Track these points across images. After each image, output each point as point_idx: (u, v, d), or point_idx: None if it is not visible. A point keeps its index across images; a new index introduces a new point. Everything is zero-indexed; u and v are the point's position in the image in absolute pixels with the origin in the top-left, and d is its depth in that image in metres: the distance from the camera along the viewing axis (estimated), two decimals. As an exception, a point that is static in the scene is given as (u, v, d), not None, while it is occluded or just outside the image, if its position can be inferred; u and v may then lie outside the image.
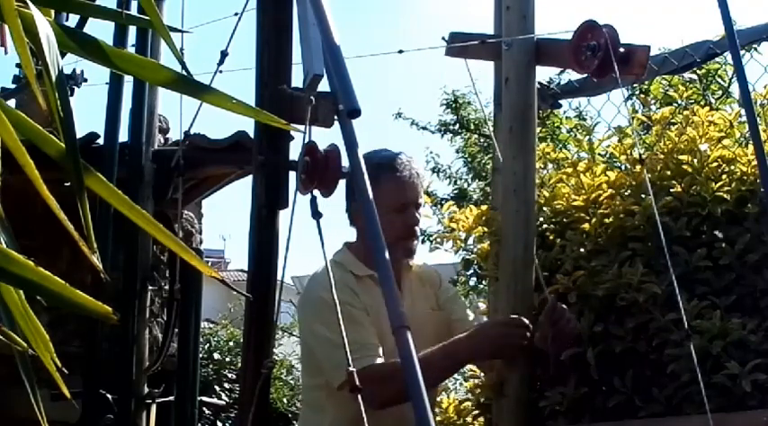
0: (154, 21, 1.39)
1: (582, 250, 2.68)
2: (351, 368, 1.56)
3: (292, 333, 12.23)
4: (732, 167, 2.60)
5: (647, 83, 4.52)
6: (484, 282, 3.48)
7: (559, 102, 3.67)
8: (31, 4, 1.16)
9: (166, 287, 4.98)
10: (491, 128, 3.14)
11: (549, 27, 2.78)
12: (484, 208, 3.00)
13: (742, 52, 3.34)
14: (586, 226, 2.72)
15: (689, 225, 2.54)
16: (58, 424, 2.47)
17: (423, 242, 10.61)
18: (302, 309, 2.86)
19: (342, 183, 2.20)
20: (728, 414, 2.25)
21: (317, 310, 2.69)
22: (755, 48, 3.73)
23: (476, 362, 2.87)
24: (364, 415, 1.46)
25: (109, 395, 4.24)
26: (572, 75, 3.79)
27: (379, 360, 2.60)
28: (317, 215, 1.85)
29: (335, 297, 1.79)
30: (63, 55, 1.22)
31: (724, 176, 2.59)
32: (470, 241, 3.02)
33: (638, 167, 2.68)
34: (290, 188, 2.36)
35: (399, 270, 2.82)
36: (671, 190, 2.59)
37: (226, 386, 9.57)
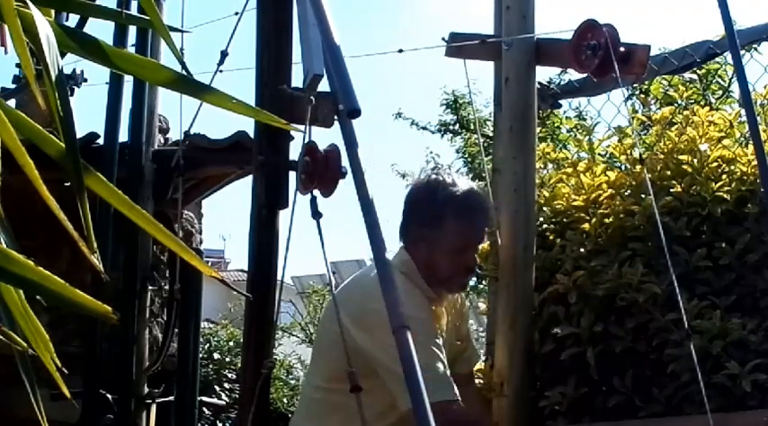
0: (154, 21, 1.39)
1: (582, 250, 2.68)
2: (351, 369, 1.56)
3: (292, 333, 12.24)
4: (732, 167, 2.60)
5: (647, 83, 4.51)
6: (484, 282, 3.48)
7: (559, 102, 3.66)
8: (30, 3, 1.16)
9: (166, 287, 4.98)
10: (479, 133, 3.14)
11: (549, 27, 2.78)
12: (484, 208, 2.99)
13: (742, 52, 3.34)
14: (586, 226, 2.72)
15: (689, 225, 2.54)
16: (57, 424, 2.46)
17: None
18: (370, 316, 2.44)
19: (341, 183, 2.19)
20: (728, 414, 2.25)
21: (414, 303, 2.52)
22: (755, 48, 3.73)
23: None
24: (364, 416, 1.46)
25: (109, 395, 4.24)
26: (572, 75, 3.79)
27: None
28: (316, 215, 1.85)
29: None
30: (63, 55, 1.22)
31: (724, 176, 2.59)
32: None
33: (638, 167, 2.68)
34: (290, 188, 2.36)
35: (447, 299, 2.75)
36: (671, 190, 2.59)
37: (226, 386, 9.57)
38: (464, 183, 2.69)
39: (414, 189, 2.72)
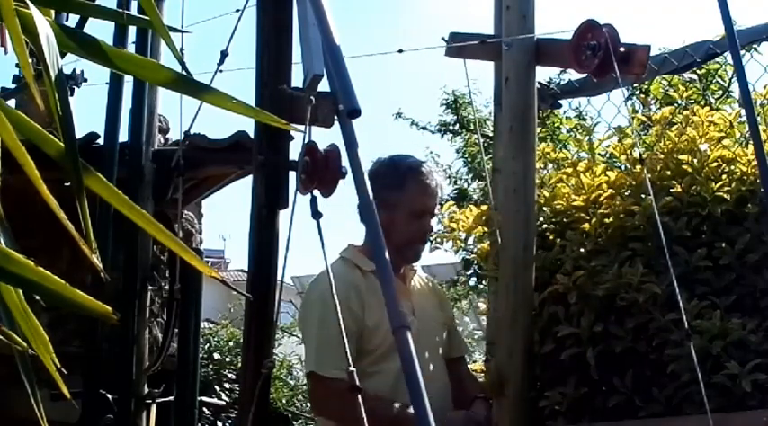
0: (153, 21, 1.39)
1: (582, 250, 2.67)
2: (351, 368, 1.56)
3: (292, 333, 12.23)
4: (732, 167, 2.60)
5: (647, 83, 4.51)
6: (484, 282, 3.48)
7: (559, 102, 3.66)
8: (30, 3, 1.16)
9: (166, 287, 4.98)
10: (479, 133, 3.19)
11: (549, 27, 2.78)
12: (484, 208, 3.00)
13: (742, 52, 3.34)
14: (586, 226, 2.72)
15: (689, 225, 2.54)
16: (57, 424, 2.46)
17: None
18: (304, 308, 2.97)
19: (341, 183, 2.20)
20: (728, 414, 2.25)
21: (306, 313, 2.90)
22: (755, 48, 3.73)
23: None
24: (364, 415, 1.46)
25: (109, 395, 4.23)
26: (572, 75, 3.79)
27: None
28: (316, 215, 1.86)
29: (335, 296, 1.81)
30: (63, 55, 1.22)
31: (724, 176, 2.59)
32: (470, 241, 3.02)
33: (638, 167, 2.68)
34: (290, 188, 2.36)
35: (407, 271, 2.96)
36: (671, 190, 2.59)
37: (226, 386, 9.56)
38: (419, 160, 3.05)
39: (375, 164, 3.01)
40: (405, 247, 2.88)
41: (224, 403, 9.22)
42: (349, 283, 2.77)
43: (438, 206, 3.01)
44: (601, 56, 2.55)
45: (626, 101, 3.18)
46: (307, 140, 2.03)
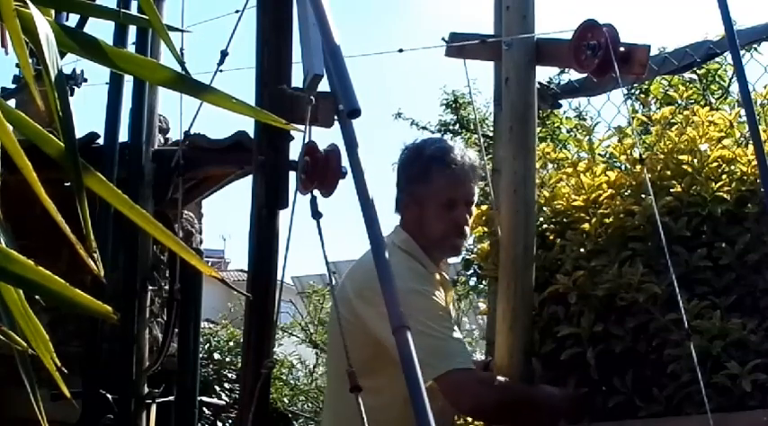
0: (153, 20, 1.39)
1: (582, 250, 2.67)
2: (350, 370, 1.56)
3: (292, 333, 12.23)
4: (732, 167, 2.60)
5: (647, 83, 4.51)
6: (484, 282, 3.48)
7: (559, 102, 3.67)
8: (30, 3, 1.16)
9: (166, 287, 4.98)
10: (479, 133, 3.15)
11: (549, 27, 2.78)
12: (484, 208, 3.00)
13: (742, 52, 3.34)
14: (586, 226, 2.72)
15: (689, 225, 2.54)
16: (57, 424, 2.47)
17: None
18: (371, 291, 2.46)
19: (341, 183, 2.20)
20: (728, 414, 2.25)
21: (410, 306, 2.29)
22: (755, 48, 3.73)
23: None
24: (364, 415, 1.46)
25: (109, 395, 4.23)
26: (572, 75, 3.79)
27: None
28: (316, 215, 1.85)
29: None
30: (63, 55, 1.22)
31: (724, 176, 2.59)
32: (470, 241, 3.02)
33: (638, 167, 2.68)
34: (290, 188, 2.36)
35: (440, 265, 2.78)
36: (671, 190, 2.59)
37: (226, 386, 9.55)
38: (453, 143, 2.83)
39: (403, 152, 2.82)
40: (440, 241, 2.71)
41: (224, 403, 9.22)
42: (422, 274, 2.66)
43: (474, 189, 2.77)
44: (601, 56, 2.55)
45: (626, 101, 3.18)
46: (307, 140, 2.02)
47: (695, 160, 2.62)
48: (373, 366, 2.46)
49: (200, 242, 6.21)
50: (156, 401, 4.54)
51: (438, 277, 2.70)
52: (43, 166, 1.17)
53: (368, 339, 2.49)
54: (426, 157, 2.71)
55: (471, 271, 3.19)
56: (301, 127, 2.00)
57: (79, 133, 1.72)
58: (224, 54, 2.85)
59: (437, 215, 2.69)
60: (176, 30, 2.19)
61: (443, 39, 2.91)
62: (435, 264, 2.73)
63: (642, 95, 5.09)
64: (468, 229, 2.77)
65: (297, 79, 2.34)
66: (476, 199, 2.80)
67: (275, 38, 2.41)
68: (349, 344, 2.69)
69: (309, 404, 10.70)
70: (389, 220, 2.84)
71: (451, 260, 2.99)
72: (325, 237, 1.79)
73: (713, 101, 4.54)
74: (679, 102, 3.38)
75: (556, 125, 6.24)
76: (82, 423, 4.20)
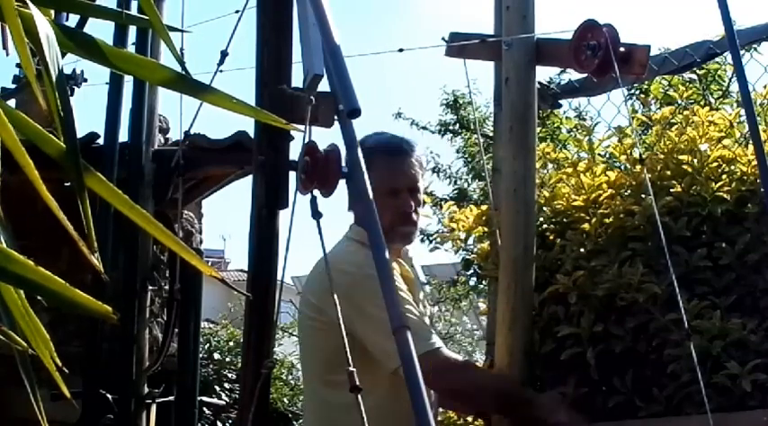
0: (153, 21, 1.39)
1: (582, 250, 2.68)
2: (350, 369, 1.56)
3: (292, 333, 12.23)
4: (732, 167, 2.60)
5: (647, 83, 4.52)
6: (484, 282, 3.48)
7: (559, 102, 3.67)
8: (30, 3, 1.16)
9: (166, 287, 4.98)
10: (479, 133, 3.15)
11: (549, 27, 2.78)
12: (484, 208, 3.00)
13: (742, 52, 3.34)
14: (586, 226, 2.72)
15: (689, 225, 2.54)
16: (57, 424, 2.46)
17: (422, 241, 10.61)
18: (351, 290, 2.55)
19: (341, 183, 2.20)
20: (728, 414, 2.25)
21: (370, 291, 2.36)
22: (755, 48, 3.73)
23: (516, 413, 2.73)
24: (364, 415, 1.46)
25: (109, 395, 4.23)
26: (572, 75, 3.79)
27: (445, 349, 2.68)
28: (316, 215, 1.85)
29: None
30: (63, 55, 1.22)
31: (724, 176, 2.59)
32: (470, 241, 3.02)
33: (638, 167, 2.68)
34: (290, 188, 2.36)
35: (398, 257, 2.83)
36: (671, 190, 2.59)
37: (226, 386, 9.56)
38: (393, 133, 2.88)
39: None
40: (389, 231, 2.68)
41: (224, 403, 9.22)
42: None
43: (418, 176, 2.80)
44: (601, 56, 2.55)
45: (626, 101, 3.18)
46: (307, 140, 2.02)
47: (695, 160, 2.62)
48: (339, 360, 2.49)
49: (201, 242, 6.21)
50: (156, 401, 4.54)
51: (397, 266, 2.72)
52: (43, 166, 1.17)
53: (330, 333, 2.49)
54: (366, 150, 2.70)
55: (471, 271, 3.19)
56: (301, 127, 2.00)
57: (79, 133, 1.72)
58: (224, 54, 2.85)
59: (382, 205, 2.67)
60: (176, 30, 2.19)
61: (443, 38, 2.91)
62: (391, 254, 2.72)
63: (642, 95, 5.09)
64: (416, 216, 2.81)
65: (297, 79, 2.34)
66: (422, 185, 2.85)
67: (275, 38, 2.41)
68: (314, 343, 2.76)
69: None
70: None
71: (451, 259, 3.03)
72: (325, 237, 1.79)
73: (713, 101, 4.54)
74: (679, 101, 3.38)
75: (556, 125, 6.25)
76: (82, 423, 4.20)
